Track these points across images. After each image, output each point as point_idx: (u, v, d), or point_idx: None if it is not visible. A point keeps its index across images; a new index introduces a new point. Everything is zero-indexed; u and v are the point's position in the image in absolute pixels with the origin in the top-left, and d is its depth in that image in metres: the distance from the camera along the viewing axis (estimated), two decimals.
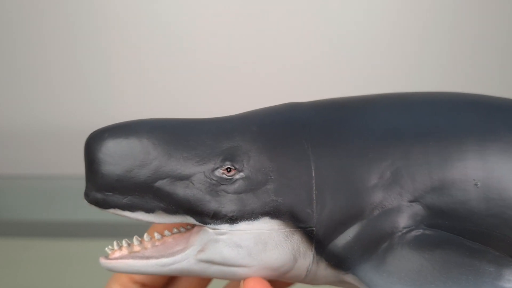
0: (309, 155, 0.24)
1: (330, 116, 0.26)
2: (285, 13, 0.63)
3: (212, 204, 0.24)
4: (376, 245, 0.24)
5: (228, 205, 0.24)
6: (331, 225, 0.24)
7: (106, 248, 0.26)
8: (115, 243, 0.26)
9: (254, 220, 0.24)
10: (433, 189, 0.24)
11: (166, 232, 0.26)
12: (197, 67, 0.65)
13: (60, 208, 0.62)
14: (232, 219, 0.24)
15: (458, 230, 0.24)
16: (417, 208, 0.24)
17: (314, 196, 0.24)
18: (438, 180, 0.24)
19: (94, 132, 0.26)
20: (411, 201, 0.24)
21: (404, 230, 0.24)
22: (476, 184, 0.24)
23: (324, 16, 0.63)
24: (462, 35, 0.64)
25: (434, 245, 0.23)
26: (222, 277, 0.25)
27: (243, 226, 0.24)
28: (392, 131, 0.25)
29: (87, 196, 0.25)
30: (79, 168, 0.73)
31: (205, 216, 0.24)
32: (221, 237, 0.24)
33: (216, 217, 0.24)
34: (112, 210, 0.25)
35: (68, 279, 0.52)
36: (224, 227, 0.24)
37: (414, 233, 0.24)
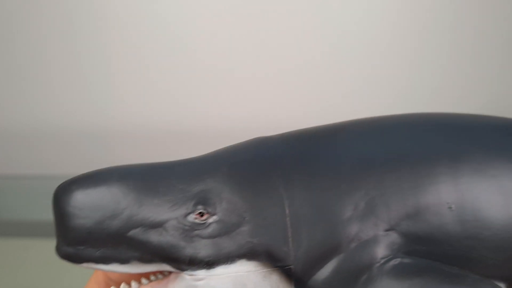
0: (281, 192, 0.24)
1: (300, 150, 0.25)
2: (285, 14, 0.63)
3: (187, 251, 0.24)
4: (355, 278, 0.24)
5: (203, 250, 0.24)
6: (308, 262, 0.24)
7: None
8: None
9: (231, 263, 0.24)
10: (408, 215, 0.24)
11: (143, 280, 0.25)
12: (197, 67, 0.65)
13: None
14: (209, 264, 0.24)
15: (436, 254, 0.24)
16: (394, 236, 0.24)
17: (289, 234, 0.24)
18: (412, 206, 0.24)
19: (61, 184, 0.25)
20: (387, 230, 0.24)
21: (382, 261, 0.23)
22: (450, 207, 0.24)
23: (324, 16, 0.63)
24: (462, 35, 0.64)
25: (412, 273, 0.23)
26: None
27: (220, 270, 0.24)
28: (363, 160, 0.24)
29: (58, 250, 0.24)
30: (79, 168, 0.73)
31: (181, 263, 0.24)
32: (199, 282, 0.24)
33: (192, 263, 0.24)
34: (85, 264, 0.24)
35: (68, 279, 0.52)
36: (201, 273, 0.24)
37: (392, 262, 0.23)
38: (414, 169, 0.24)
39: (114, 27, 0.64)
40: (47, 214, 0.62)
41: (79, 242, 0.24)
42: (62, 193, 0.24)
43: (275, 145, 0.26)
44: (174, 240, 0.24)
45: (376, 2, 0.63)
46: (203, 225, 0.24)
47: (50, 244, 0.57)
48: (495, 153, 0.24)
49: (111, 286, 0.28)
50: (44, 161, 0.68)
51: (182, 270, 0.24)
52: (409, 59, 0.65)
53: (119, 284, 0.27)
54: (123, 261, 0.24)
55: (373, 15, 0.63)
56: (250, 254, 0.24)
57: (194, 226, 0.24)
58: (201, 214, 0.24)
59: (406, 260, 0.23)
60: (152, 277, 0.25)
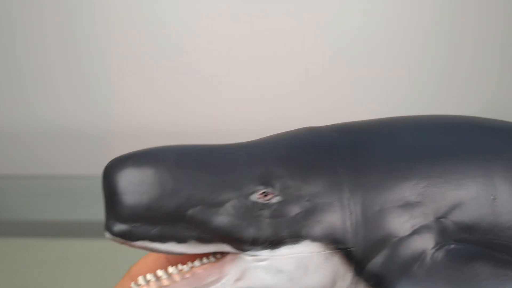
0: (342, 177, 0.24)
1: (354, 140, 0.26)
2: (286, 15, 0.63)
3: (251, 230, 0.23)
4: (411, 263, 0.24)
5: (267, 230, 0.23)
6: (368, 246, 0.24)
7: (132, 284, 0.24)
8: (140, 279, 0.24)
9: (295, 244, 0.24)
10: (456, 205, 0.25)
11: (195, 263, 0.25)
12: (197, 68, 0.65)
13: (60, 208, 0.62)
14: (274, 244, 0.23)
15: (483, 243, 0.25)
16: (444, 224, 0.25)
17: (350, 217, 0.24)
18: (459, 197, 0.25)
19: (115, 159, 0.24)
20: (438, 218, 0.25)
21: (436, 247, 0.24)
22: (494, 199, 0.25)
23: (325, 19, 0.63)
24: (463, 37, 0.64)
25: (465, 259, 0.24)
26: None
27: (285, 251, 0.23)
28: (412, 153, 0.26)
29: (109, 229, 0.23)
30: (79, 168, 0.73)
31: (244, 243, 0.23)
32: (261, 263, 0.23)
33: (255, 243, 0.23)
34: (139, 243, 0.23)
35: (68, 279, 0.52)
36: (265, 253, 0.23)
37: (445, 249, 0.24)
38: (459, 163, 0.25)
39: (114, 28, 0.64)
40: (47, 214, 0.62)
41: (135, 219, 0.23)
42: (118, 168, 0.23)
43: (329, 134, 0.26)
44: (237, 219, 0.23)
45: (377, 5, 0.63)
46: (267, 205, 0.24)
47: (50, 244, 0.57)
48: None
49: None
50: (44, 161, 0.68)
51: (244, 250, 0.23)
52: (410, 62, 0.65)
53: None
54: (181, 240, 0.23)
55: (374, 18, 0.63)
56: (314, 235, 0.24)
57: (258, 206, 0.23)
58: (265, 194, 0.24)
59: (458, 247, 0.24)
60: (205, 260, 0.25)
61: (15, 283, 0.52)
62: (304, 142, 0.25)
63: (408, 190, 0.25)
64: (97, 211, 0.63)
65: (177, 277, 0.24)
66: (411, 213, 0.25)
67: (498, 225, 0.25)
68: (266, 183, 0.24)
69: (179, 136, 0.66)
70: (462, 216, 0.25)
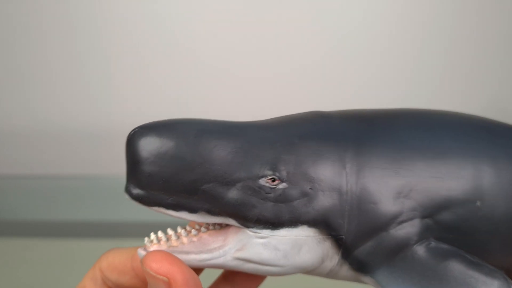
0: (345, 170, 0.26)
1: (361, 130, 0.28)
2: (286, 15, 0.63)
3: (256, 210, 0.26)
4: (393, 254, 0.27)
5: (270, 212, 0.26)
6: (358, 235, 0.26)
7: (146, 239, 0.26)
8: (152, 235, 0.26)
9: (294, 227, 0.26)
10: (443, 206, 0.27)
11: (202, 229, 0.27)
12: (197, 68, 0.65)
13: (60, 208, 0.62)
14: (274, 225, 0.26)
15: (459, 243, 0.27)
16: (429, 222, 0.27)
17: (346, 208, 0.26)
18: (448, 198, 0.27)
19: (140, 128, 0.25)
20: (424, 216, 0.27)
21: (417, 242, 0.27)
22: (477, 204, 0.27)
23: (324, 19, 0.63)
24: (462, 37, 0.64)
25: (441, 257, 0.26)
26: (254, 273, 0.27)
27: (283, 232, 0.26)
28: (410, 149, 0.27)
29: (129, 192, 0.25)
30: (79, 168, 0.73)
31: (248, 220, 0.26)
32: (261, 240, 0.26)
33: (258, 222, 0.26)
34: (155, 208, 0.26)
35: (68, 279, 0.52)
36: (265, 232, 0.26)
37: (425, 245, 0.27)
38: (453, 165, 0.27)
39: (114, 27, 0.64)
40: (47, 214, 0.62)
41: (153, 188, 0.25)
42: (142, 137, 0.25)
43: (337, 122, 0.28)
44: (245, 199, 0.25)
45: (377, 2, 0.63)
46: (273, 189, 0.26)
47: (50, 244, 0.57)
48: None
49: (107, 281, 0.28)
50: (44, 161, 0.68)
51: (247, 227, 0.26)
52: (409, 61, 0.65)
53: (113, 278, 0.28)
54: (193, 210, 0.25)
55: (374, 17, 0.63)
56: (311, 222, 0.26)
57: (265, 189, 0.26)
58: (273, 180, 0.26)
59: (437, 245, 0.27)
60: (211, 227, 0.27)
61: (15, 283, 0.52)
62: (314, 130, 0.27)
63: (401, 186, 0.27)
64: (97, 211, 0.63)
65: (185, 240, 0.26)
66: (402, 209, 0.26)
67: (477, 229, 0.27)
68: (275, 169, 0.26)
69: None
70: (446, 216, 0.27)
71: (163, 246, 0.26)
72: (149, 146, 0.25)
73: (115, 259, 0.28)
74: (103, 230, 0.60)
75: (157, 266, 0.24)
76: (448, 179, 0.27)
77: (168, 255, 0.25)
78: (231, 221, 0.26)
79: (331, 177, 0.26)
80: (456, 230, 0.27)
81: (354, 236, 0.26)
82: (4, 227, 0.61)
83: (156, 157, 0.25)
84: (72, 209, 0.61)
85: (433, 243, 0.27)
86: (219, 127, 0.26)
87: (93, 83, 0.66)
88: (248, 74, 0.65)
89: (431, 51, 0.64)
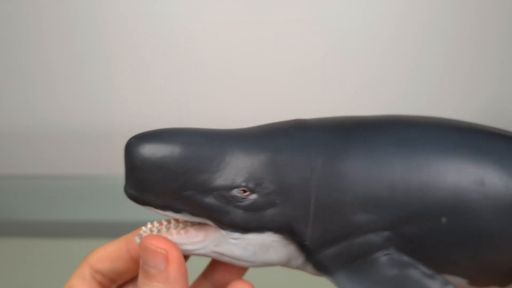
0: (311, 186, 0.29)
1: (335, 141, 0.30)
2: (286, 15, 0.63)
3: (229, 217, 0.29)
4: (354, 260, 0.29)
5: (241, 219, 0.29)
6: (321, 242, 0.29)
7: (143, 228, 0.30)
8: (149, 224, 0.30)
9: (260, 232, 0.29)
10: (408, 219, 0.28)
11: (189, 223, 0.31)
12: (197, 68, 0.65)
13: (60, 208, 0.62)
14: (243, 230, 0.29)
15: (418, 253, 0.29)
16: (391, 235, 0.29)
17: (310, 218, 0.29)
18: (415, 212, 0.28)
19: (136, 137, 0.29)
20: (389, 228, 0.29)
21: (379, 251, 0.29)
22: (442, 221, 0.28)
23: (324, 19, 0.63)
24: (462, 38, 0.64)
25: (398, 267, 0.29)
26: (231, 264, 0.31)
27: (252, 236, 0.29)
28: (383, 162, 0.29)
29: (126, 191, 0.29)
30: (79, 168, 0.73)
31: (222, 224, 0.29)
32: (233, 240, 0.30)
33: (230, 226, 0.29)
34: (147, 207, 0.30)
35: (68, 279, 0.52)
36: (236, 235, 0.29)
37: (385, 254, 0.29)
38: (421, 181, 0.28)
39: (114, 27, 0.64)
40: (47, 214, 0.62)
41: (144, 191, 0.29)
42: (137, 147, 0.29)
43: (313, 134, 0.30)
44: (220, 206, 0.29)
45: (376, 2, 0.63)
46: (244, 199, 0.29)
47: (50, 244, 0.57)
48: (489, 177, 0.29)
49: (97, 275, 0.31)
50: (44, 161, 0.68)
51: (222, 228, 0.29)
52: (409, 62, 0.65)
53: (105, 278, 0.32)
54: (177, 211, 0.29)
55: (374, 17, 0.63)
56: (276, 229, 0.29)
57: (237, 199, 0.29)
58: (244, 191, 0.29)
59: (395, 256, 0.29)
60: (196, 223, 0.31)
61: (15, 283, 0.52)
62: (288, 142, 0.30)
63: (369, 199, 0.28)
64: (97, 211, 0.63)
65: (174, 232, 0.30)
66: (366, 220, 0.29)
67: (438, 242, 0.29)
68: (247, 181, 0.29)
69: None
70: (409, 230, 0.29)
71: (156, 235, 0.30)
72: (141, 156, 0.28)
73: (107, 249, 0.32)
74: (103, 230, 0.60)
75: (157, 242, 0.28)
76: (414, 193, 0.28)
77: (164, 237, 0.29)
78: (209, 222, 0.30)
79: (298, 189, 0.29)
80: (418, 242, 0.29)
81: (317, 243, 0.29)
82: (4, 227, 0.61)
83: (146, 165, 0.28)
84: (72, 209, 0.62)
85: (393, 254, 0.29)
86: (201, 139, 0.29)
87: (93, 83, 0.66)
88: (248, 74, 0.65)
89: (431, 51, 0.64)
